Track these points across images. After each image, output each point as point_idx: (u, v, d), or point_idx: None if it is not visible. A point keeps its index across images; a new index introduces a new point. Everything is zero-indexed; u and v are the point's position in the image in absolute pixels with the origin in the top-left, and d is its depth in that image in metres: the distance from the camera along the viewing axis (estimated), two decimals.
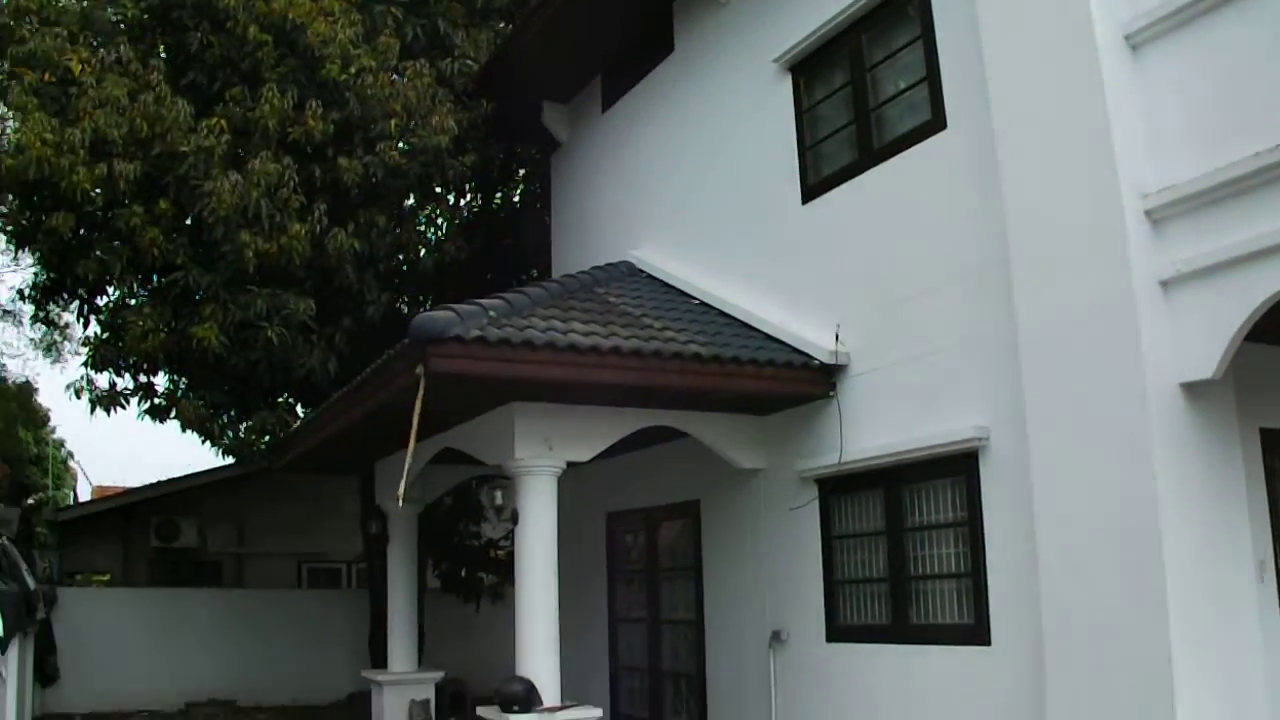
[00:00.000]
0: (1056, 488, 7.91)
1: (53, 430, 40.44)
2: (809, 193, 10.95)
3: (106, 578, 23.01)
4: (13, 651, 11.09)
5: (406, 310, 15.35)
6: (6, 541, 13.04)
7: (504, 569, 19.79)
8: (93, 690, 18.37)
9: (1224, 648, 7.50)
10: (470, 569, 19.91)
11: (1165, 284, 7.44)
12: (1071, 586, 7.73)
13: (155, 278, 14.71)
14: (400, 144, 14.61)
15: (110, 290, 15.57)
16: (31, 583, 14.24)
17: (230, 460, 18.37)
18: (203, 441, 15.74)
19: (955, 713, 9.05)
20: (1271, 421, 8.76)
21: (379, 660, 15.87)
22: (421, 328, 8.69)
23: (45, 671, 17.71)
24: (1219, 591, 7.55)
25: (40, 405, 37.04)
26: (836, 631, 10.42)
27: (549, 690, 9.88)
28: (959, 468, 9.16)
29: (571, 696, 10.34)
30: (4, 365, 27.36)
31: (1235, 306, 7.05)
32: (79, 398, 15.31)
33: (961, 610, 9.20)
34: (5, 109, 16.54)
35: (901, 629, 9.72)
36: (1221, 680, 7.41)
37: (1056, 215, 8.08)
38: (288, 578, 23.70)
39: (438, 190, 17.18)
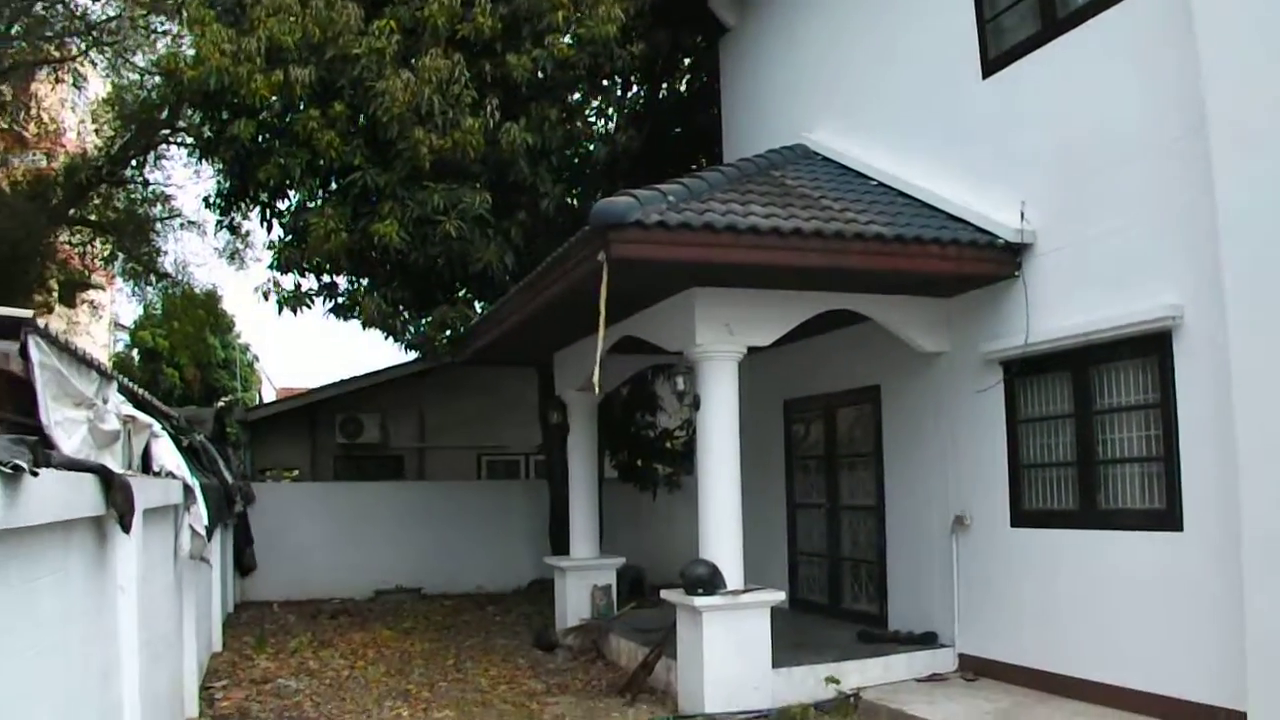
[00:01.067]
0: (1259, 368, 7.59)
1: (238, 335, 41.97)
2: (990, 67, 10.60)
3: (295, 474, 23.83)
4: (215, 542, 11.60)
5: (579, 203, 15.38)
6: (204, 439, 13.55)
7: (680, 459, 20.00)
8: (287, 580, 19.18)
9: None
10: (646, 459, 20.13)
11: None
12: (1276, 471, 7.45)
13: (334, 179, 15.01)
14: (568, 36, 14.56)
15: (291, 194, 15.93)
16: (229, 478, 14.81)
17: (411, 356, 18.84)
18: (385, 338, 16.11)
19: (1142, 599, 8.89)
20: None
21: (559, 548, 16.24)
22: (602, 214, 8.71)
23: (243, 563, 18.52)
24: None
25: (226, 312, 38.44)
26: (1021, 516, 10.30)
27: (732, 573, 9.99)
28: (1151, 348, 8.88)
29: (752, 582, 10.44)
30: (191, 274, 28.30)
31: None
32: (266, 299, 15.80)
33: (1152, 495, 8.99)
34: (183, 24, 16.94)
35: (1088, 514, 9.55)
36: None
37: (1262, 78, 7.64)
38: (468, 470, 24.28)
39: (606, 83, 17.15)
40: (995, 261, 10.14)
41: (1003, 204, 10.18)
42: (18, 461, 3.57)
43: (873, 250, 9.56)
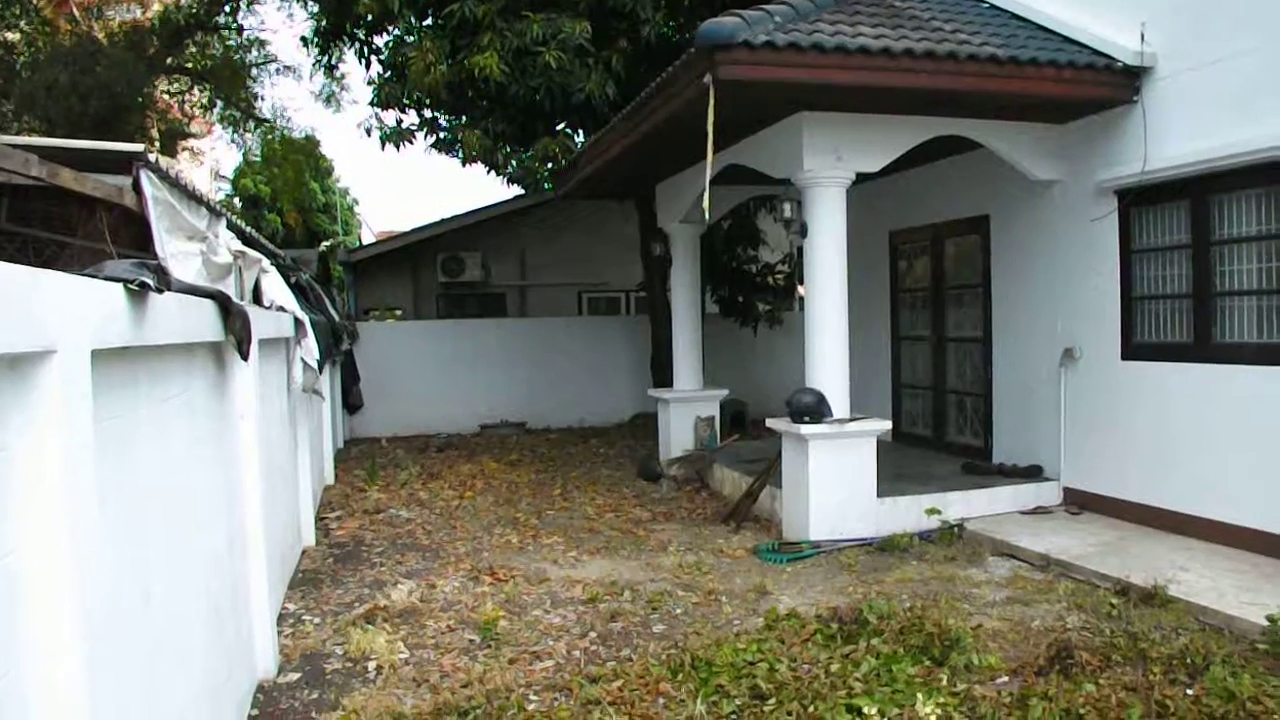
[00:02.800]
0: None
1: (337, 180, 42.25)
2: None
3: (399, 313, 24.11)
4: (324, 377, 11.82)
5: (681, 32, 15.09)
6: (310, 278, 13.72)
7: (781, 294, 19.90)
8: (394, 416, 19.61)
9: None
10: (747, 294, 20.05)
11: None
12: None
13: (431, 12, 14.84)
14: None
15: (389, 29, 15.82)
16: (335, 316, 15.03)
17: (513, 192, 18.82)
18: (487, 172, 16.11)
19: (1254, 434, 8.75)
20: None
21: (660, 383, 16.33)
22: (709, 34, 8.52)
23: (351, 400, 18.93)
24: None
25: (325, 156, 38.63)
26: (1132, 350, 10.13)
27: (839, 402, 9.99)
28: (1274, 177, 8.56)
29: (856, 412, 10.41)
30: (289, 119, 28.47)
31: None
32: (369, 136, 15.84)
33: (1269, 329, 8.77)
34: None
35: (1203, 348, 9.35)
36: None
37: None
38: (569, 307, 24.41)
39: None
40: (1113, 85, 9.78)
41: (1123, 26, 9.78)
42: (144, 279, 3.61)
43: (986, 72, 9.25)
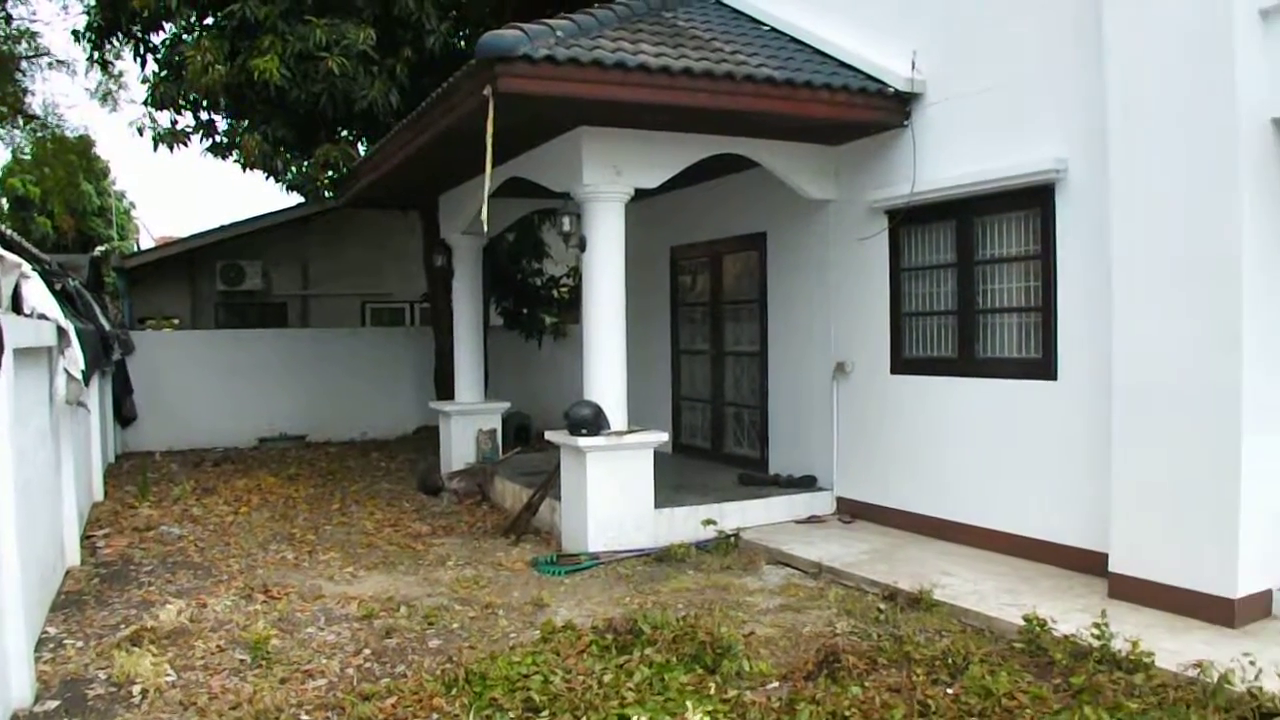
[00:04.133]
0: (1136, 221, 7.70)
1: (113, 182, 40.68)
2: None
3: (175, 322, 23.35)
4: (92, 389, 11.36)
5: (467, 42, 15.01)
6: (79, 285, 13.17)
7: (566, 307, 19.98)
8: (169, 429, 18.87)
9: None
10: (532, 307, 20.06)
11: (1265, 14, 7.12)
12: (1146, 323, 7.65)
13: (211, 11, 14.41)
14: None
15: (166, 26, 15.33)
16: (106, 325, 14.45)
17: (294, 201, 18.43)
18: (266, 178, 15.73)
19: (1017, 446, 9.21)
20: None
21: (444, 395, 16.21)
22: (490, 46, 8.49)
23: (123, 413, 18.18)
24: None
25: (100, 157, 37.11)
26: (901, 364, 10.52)
27: (616, 415, 10.06)
28: (1034, 200, 9.01)
29: (635, 424, 10.51)
30: (62, 117, 27.26)
31: None
32: (141, 135, 15.29)
33: (1029, 345, 9.23)
34: None
35: (967, 362, 9.78)
36: None
37: None
38: (352, 318, 23.99)
39: None
40: (885, 109, 10.13)
41: (896, 53, 10.15)
42: None
43: (762, 93, 9.47)
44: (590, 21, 9.55)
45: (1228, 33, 7.05)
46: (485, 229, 9.94)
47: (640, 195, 10.43)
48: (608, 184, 9.97)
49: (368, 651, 7.14)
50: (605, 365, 10.12)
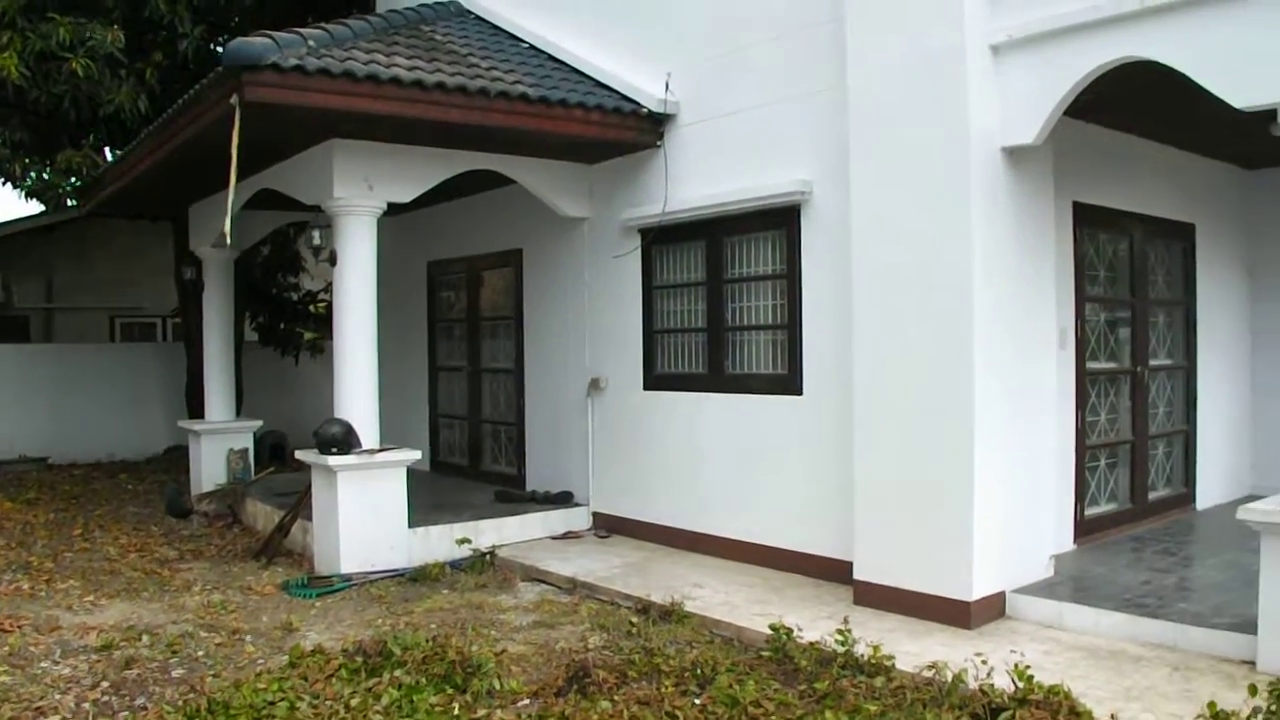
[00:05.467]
0: (875, 243, 8.01)
1: None
2: None
3: None
4: None
5: (222, 49, 14.57)
6: None
7: (324, 323, 19.57)
8: None
9: (1022, 405, 7.92)
10: (289, 322, 19.59)
11: (996, 49, 7.49)
12: (883, 340, 7.96)
13: None
14: None
15: None
16: None
17: (36, 209, 17.59)
18: (3, 183, 14.94)
19: (766, 459, 9.46)
20: (1085, 196, 9.22)
21: (196, 413, 15.67)
22: (236, 54, 8.25)
23: None
24: (1023, 353, 7.93)
25: None
26: (654, 380, 10.69)
27: (368, 433, 9.90)
28: (780, 221, 9.29)
29: (393, 444, 10.37)
30: None
31: (1060, 76, 7.18)
32: None
33: (776, 361, 9.50)
34: None
35: (717, 378, 10.01)
36: (1018, 434, 7.85)
37: None
38: (100, 333, 22.98)
39: None
40: (638, 130, 10.27)
41: (650, 74, 10.31)
42: None
43: (516, 110, 9.48)
44: (345, 32, 9.40)
45: (961, 65, 7.39)
46: (229, 242, 9.67)
47: (396, 210, 10.34)
48: (360, 198, 9.81)
49: (106, 684, 6.81)
50: (356, 382, 9.95)
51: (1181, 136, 10.26)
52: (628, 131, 10.24)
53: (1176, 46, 6.53)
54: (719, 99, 9.81)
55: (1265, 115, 6.31)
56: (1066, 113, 7.49)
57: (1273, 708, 5.33)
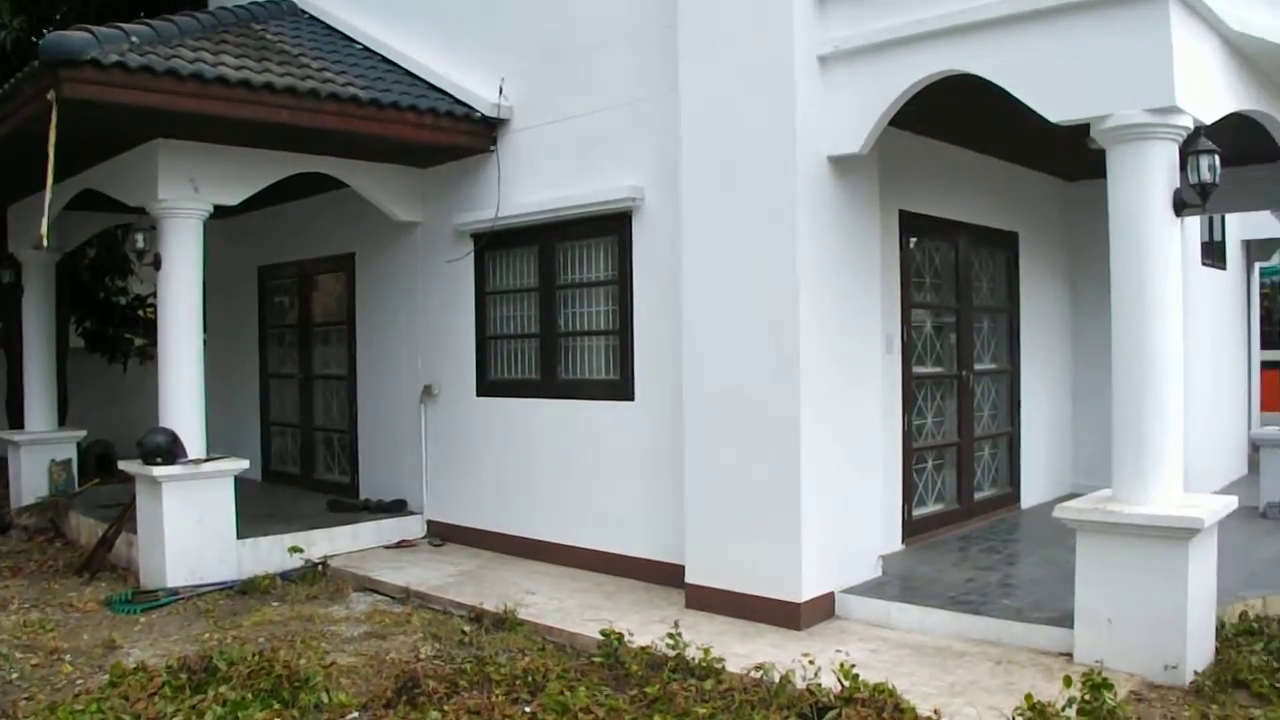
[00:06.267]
0: (704, 249, 8.11)
1: None
2: None
3: None
4: None
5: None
6: None
7: (154, 328, 18.97)
8: None
9: (850, 409, 8.08)
10: (118, 327, 18.95)
11: (824, 60, 7.65)
12: (712, 345, 8.05)
13: None
14: None
15: None
16: None
17: None
18: None
19: (599, 465, 9.50)
20: (912, 205, 9.45)
21: (17, 423, 15.06)
22: (54, 48, 7.94)
23: None
24: (850, 357, 8.10)
25: None
26: (487, 386, 10.66)
27: (194, 442, 9.64)
28: (613, 227, 9.33)
29: (224, 453, 10.15)
30: None
31: (884, 88, 7.37)
32: None
33: (608, 367, 9.55)
34: None
35: (550, 384, 10.02)
36: (845, 438, 8.01)
37: None
38: None
39: None
40: (471, 134, 10.23)
41: (484, 79, 10.28)
42: None
43: (347, 112, 9.35)
44: (171, 29, 9.15)
45: (789, 75, 7.52)
46: (45, 244, 9.33)
47: (225, 213, 10.13)
48: (185, 200, 9.53)
49: None
50: (182, 390, 9.67)
51: (1005, 149, 10.62)
52: (460, 136, 10.18)
53: (996, 62, 6.77)
54: (553, 104, 9.82)
55: (1082, 129, 6.56)
56: (893, 124, 7.68)
57: (1086, 697, 5.53)
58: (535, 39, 10.00)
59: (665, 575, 8.69)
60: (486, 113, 10.16)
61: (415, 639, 7.76)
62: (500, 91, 10.18)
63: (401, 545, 10.86)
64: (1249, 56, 7.68)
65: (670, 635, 6.77)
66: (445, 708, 5.92)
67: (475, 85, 10.26)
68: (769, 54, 7.64)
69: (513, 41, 10.20)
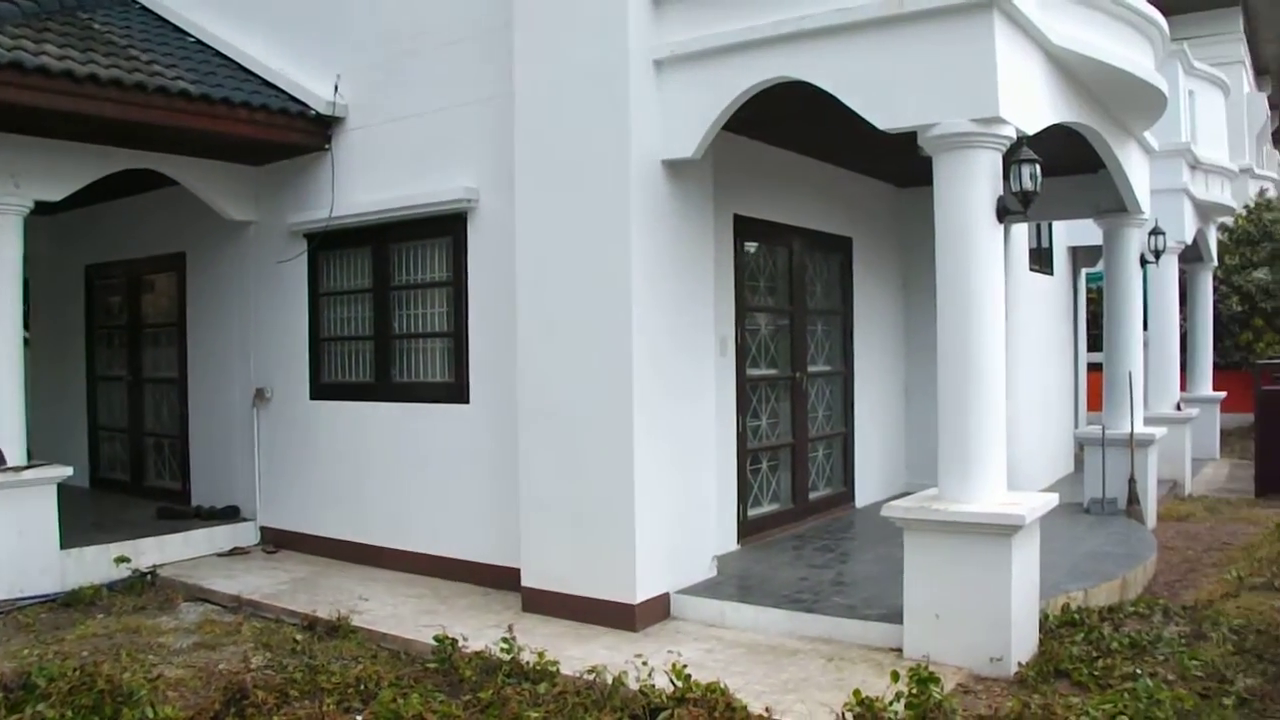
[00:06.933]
0: (538, 252, 8.09)
1: None
2: None
3: None
4: None
5: None
6: None
7: None
8: None
9: (684, 411, 8.14)
10: None
11: (659, 64, 7.70)
12: (546, 348, 8.04)
13: None
14: None
15: None
16: None
17: None
18: None
19: (435, 469, 9.42)
20: (747, 209, 9.57)
21: None
22: None
23: None
24: (684, 360, 8.15)
25: None
26: (321, 389, 10.50)
27: (12, 449, 9.26)
28: (448, 228, 9.27)
29: (49, 460, 9.73)
30: None
31: (718, 92, 7.45)
32: None
33: (443, 369, 9.48)
34: None
35: (385, 387, 9.91)
36: (679, 440, 8.06)
37: None
38: None
39: None
40: (305, 132, 10.04)
41: (320, 76, 10.11)
42: None
43: (176, 107, 9.06)
44: None
45: (625, 78, 7.54)
46: None
47: (49, 209, 9.76)
48: (5, 195, 9.14)
49: None
50: (1, 393, 9.29)
51: (840, 155, 10.83)
52: (294, 133, 9.99)
53: (827, 70, 6.89)
54: (389, 103, 9.70)
55: (913, 137, 6.73)
56: (729, 128, 7.77)
57: (914, 691, 5.64)
58: (373, 37, 9.84)
59: (502, 579, 8.64)
60: (322, 110, 9.98)
61: (246, 649, 7.57)
62: (336, 89, 10.02)
63: (234, 553, 10.59)
64: (1071, 70, 7.97)
65: (505, 639, 6.74)
66: (275, 718, 5.80)
67: (311, 82, 10.08)
68: (604, 57, 7.65)
69: (350, 39, 10.04)
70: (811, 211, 10.84)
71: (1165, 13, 9.27)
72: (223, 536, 10.77)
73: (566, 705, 5.85)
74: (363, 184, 9.86)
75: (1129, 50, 8.52)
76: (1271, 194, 25.06)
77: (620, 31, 7.57)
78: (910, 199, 12.51)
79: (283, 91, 10.06)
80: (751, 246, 9.99)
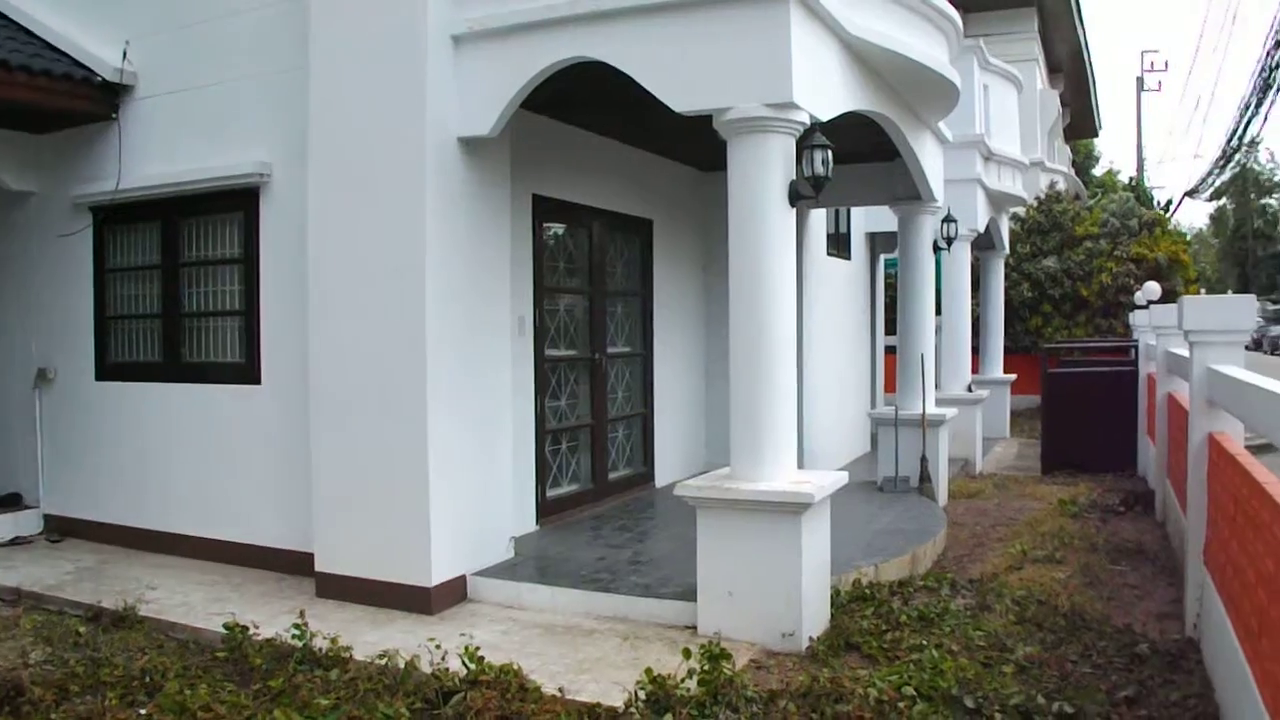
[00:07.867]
0: (331, 228, 7.93)
1: None
2: None
3: None
4: None
5: None
6: None
7: None
8: None
9: (480, 392, 8.07)
10: None
11: (457, 39, 7.60)
12: (339, 327, 7.89)
13: None
14: None
15: None
16: None
17: None
18: None
19: (227, 452, 9.17)
20: (546, 190, 9.54)
21: None
22: None
23: None
24: (480, 340, 8.08)
25: None
26: (107, 370, 10.10)
27: None
28: (239, 203, 9.01)
29: None
30: None
31: (515, 71, 7.40)
32: None
33: (235, 349, 9.23)
34: None
35: (173, 367, 9.61)
36: (475, 420, 7.99)
37: None
38: None
39: None
40: (90, 99, 9.58)
41: (108, 41, 9.67)
42: None
43: None
44: None
45: (421, 52, 7.44)
46: None
47: None
48: None
49: None
50: None
51: (641, 138, 10.88)
52: (79, 100, 9.51)
53: (624, 51, 6.92)
54: (181, 72, 9.35)
55: (711, 120, 6.78)
56: (530, 107, 7.72)
57: (705, 667, 5.71)
58: (165, 1, 9.48)
59: (297, 564, 8.45)
60: (108, 77, 9.54)
61: (24, 643, 7.24)
62: (125, 56, 9.59)
63: (16, 543, 10.09)
64: (868, 60, 8.14)
65: (296, 626, 6.62)
66: (53, 716, 5.60)
67: (99, 48, 9.63)
68: (401, 30, 7.54)
69: (141, 2, 9.64)
70: (613, 193, 10.86)
71: (963, 10, 9.57)
72: (3, 526, 10.23)
73: (358, 691, 5.79)
74: (153, 155, 9.48)
75: (924, 43, 8.74)
76: (1062, 186, 26.28)
77: (418, 5, 7.46)
78: (712, 183, 12.62)
79: (67, 56, 9.59)
80: (551, 227, 9.96)
